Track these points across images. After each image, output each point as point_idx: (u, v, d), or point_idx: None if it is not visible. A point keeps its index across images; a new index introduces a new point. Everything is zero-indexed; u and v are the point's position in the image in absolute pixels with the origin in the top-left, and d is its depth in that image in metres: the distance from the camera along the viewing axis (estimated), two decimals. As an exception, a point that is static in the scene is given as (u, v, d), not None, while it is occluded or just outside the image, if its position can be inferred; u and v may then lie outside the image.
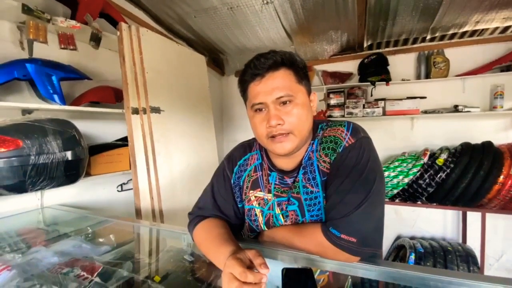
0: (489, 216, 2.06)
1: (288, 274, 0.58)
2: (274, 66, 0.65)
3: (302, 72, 0.69)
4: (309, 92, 0.72)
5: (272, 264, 0.72)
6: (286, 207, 0.74)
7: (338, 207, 0.64)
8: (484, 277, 0.61)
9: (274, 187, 0.77)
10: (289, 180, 0.75)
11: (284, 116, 0.65)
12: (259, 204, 0.79)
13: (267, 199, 0.78)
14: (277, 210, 0.76)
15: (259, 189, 0.79)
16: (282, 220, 0.76)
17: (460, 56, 2.26)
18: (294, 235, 0.72)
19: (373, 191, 0.63)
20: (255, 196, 0.80)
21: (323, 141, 0.71)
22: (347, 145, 0.67)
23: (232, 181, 0.82)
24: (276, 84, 0.64)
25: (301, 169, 0.72)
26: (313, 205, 0.71)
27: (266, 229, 0.79)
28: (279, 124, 0.64)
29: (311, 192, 0.71)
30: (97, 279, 0.76)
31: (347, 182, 0.64)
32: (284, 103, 0.65)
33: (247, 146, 0.86)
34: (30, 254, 0.98)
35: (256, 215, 0.80)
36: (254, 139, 0.86)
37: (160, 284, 0.76)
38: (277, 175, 0.77)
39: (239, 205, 0.83)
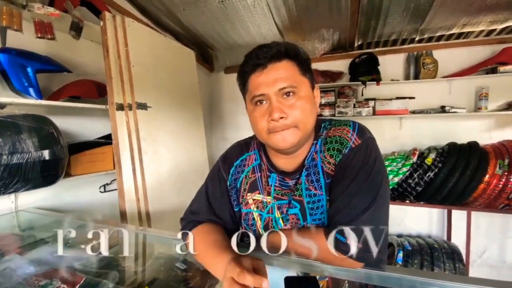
0: (473, 214, 2.12)
1: (290, 284, 0.55)
2: (277, 57, 0.61)
3: (306, 64, 0.65)
4: (313, 86, 0.68)
5: (271, 270, 0.67)
6: (287, 211, 0.70)
7: (343, 211, 0.61)
8: (476, 280, 0.59)
9: (274, 189, 0.72)
10: (290, 182, 0.70)
11: (287, 109, 0.60)
12: (257, 207, 0.74)
13: (266, 202, 0.73)
14: (277, 214, 0.72)
15: (257, 192, 0.74)
16: (282, 224, 0.72)
17: (447, 58, 2.31)
18: (296, 240, 0.68)
19: (380, 195, 0.60)
20: (253, 199, 0.75)
21: (328, 141, 0.67)
22: (353, 146, 0.63)
23: (228, 183, 0.77)
24: (279, 75, 0.60)
25: (304, 170, 0.68)
26: (315, 208, 0.68)
27: (264, 233, 0.74)
28: (281, 118, 0.60)
29: (314, 195, 0.67)
30: (79, 293, 0.69)
31: (353, 185, 0.61)
32: (288, 94, 0.61)
33: (244, 146, 0.81)
34: (3, 263, 0.89)
35: (254, 219, 0.75)
36: (251, 138, 0.81)
37: (150, 295, 0.70)
38: (277, 177, 0.72)
39: (236, 209, 0.78)
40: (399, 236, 2.43)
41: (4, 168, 0.96)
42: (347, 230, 0.59)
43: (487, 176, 1.82)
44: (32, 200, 1.36)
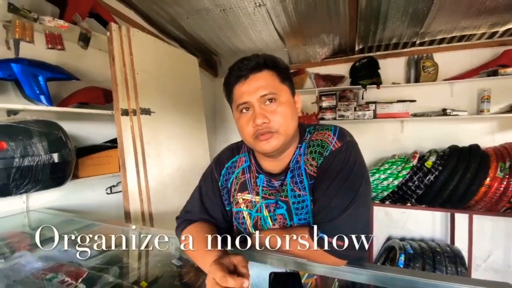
0: (477, 218, 2.11)
1: (275, 279, 0.58)
2: (257, 68, 0.66)
3: (284, 73, 0.70)
4: (293, 92, 0.73)
5: (260, 268, 0.71)
6: (274, 210, 0.74)
7: (325, 211, 0.65)
8: (468, 280, 0.62)
9: (262, 190, 0.77)
10: (276, 183, 0.75)
11: (269, 114, 0.65)
12: (247, 206, 0.79)
13: (255, 202, 0.77)
14: (265, 213, 0.76)
15: (247, 192, 0.79)
16: (270, 223, 0.76)
17: (449, 61, 2.31)
18: (282, 238, 0.72)
19: (359, 195, 0.63)
20: (243, 199, 0.79)
21: (311, 144, 0.71)
22: (333, 149, 0.67)
23: (220, 184, 0.82)
24: (259, 84, 0.66)
25: (289, 172, 0.73)
26: (301, 208, 0.71)
27: (254, 231, 0.78)
28: (264, 123, 0.65)
29: (299, 195, 0.71)
30: (81, 285, 0.75)
31: (333, 186, 0.64)
32: (270, 101, 0.66)
33: (235, 149, 0.86)
34: (13, 259, 0.96)
35: (244, 217, 0.80)
36: (242, 142, 0.86)
37: (146, 289, 0.74)
38: (265, 178, 0.77)
39: (227, 208, 0.83)
40: (402, 239, 2.42)
41: (16, 170, 1.03)
42: (329, 228, 0.62)
43: (488, 179, 1.81)
44: (42, 201, 1.44)
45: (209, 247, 0.66)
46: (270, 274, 0.59)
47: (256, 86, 0.65)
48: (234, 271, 0.54)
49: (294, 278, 0.59)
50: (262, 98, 0.65)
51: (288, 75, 0.71)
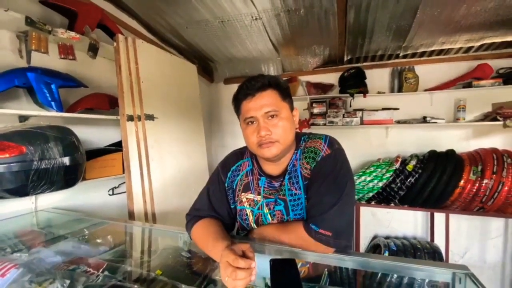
0: (454, 217, 2.30)
1: (275, 264, 0.69)
2: (262, 87, 0.79)
3: (285, 92, 0.83)
4: (292, 108, 0.86)
5: (261, 258, 0.83)
6: (274, 207, 0.87)
7: (316, 206, 0.78)
8: (431, 263, 0.76)
9: (263, 190, 0.89)
10: (276, 184, 0.88)
11: (272, 127, 0.78)
12: (249, 205, 0.91)
13: (257, 200, 0.90)
14: (266, 210, 0.88)
15: (250, 192, 0.91)
16: (270, 218, 0.88)
17: (429, 72, 2.51)
18: (280, 231, 0.84)
19: (345, 193, 0.77)
20: (246, 198, 0.92)
21: (305, 151, 0.85)
22: (324, 155, 0.81)
23: (225, 185, 0.94)
24: (264, 101, 0.78)
25: (286, 174, 0.86)
26: (296, 205, 0.84)
27: (256, 227, 0.91)
28: (267, 134, 0.78)
29: (295, 194, 0.84)
30: (105, 274, 0.84)
31: (324, 186, 0.78)
32: (272, 116, 0.79)
33: (240, 154, 0.98)
34: (32, 254, 1.03)
35: (247, 214, 0.92)
36: (245, 148, 0.98)
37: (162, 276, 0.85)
38: (266, 180, 0.89)
39: (232, 206, 0.95)
40: (387, 237, 2.59)
41: (34, 172, 1.12)
42: (320, 221, 0.76)
43: (462, 181, 2.00)
44: (50, 201, 1.52)
45: (219, 238, 0.78)
46: (270, 261, 0.70)
47: (261, 104, 0.78)
48: (243, 256, 0.66)
49: (291, 264, 0.70)
50: (266, 114, 0.78)
51: (289, 94, 0.85)
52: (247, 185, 0.92)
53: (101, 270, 0.88)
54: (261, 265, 0.82)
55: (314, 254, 0.81)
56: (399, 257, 0.94)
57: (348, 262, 0.80)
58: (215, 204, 0.93)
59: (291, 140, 0.83)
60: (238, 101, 0.84)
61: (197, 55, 2.77)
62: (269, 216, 0.88)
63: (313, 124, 2.72)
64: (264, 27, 2.12)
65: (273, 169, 0.88)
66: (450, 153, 2.16)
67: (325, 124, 2.66)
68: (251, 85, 0.79)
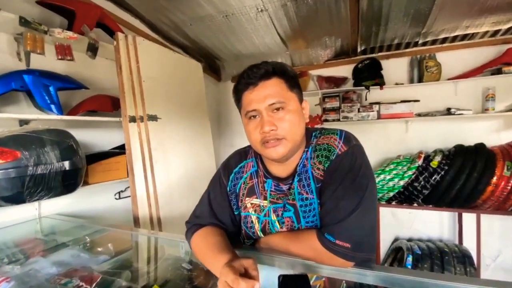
0: (485, 217, 2.09)
1: (284, 281, 0.59)
2: (266, 75, 0.68)
3: (293, 81, 0.71)
4: (300, 99, 0.74)
5: (269, 271, 0.73)
6: (282, 214, 0.76)
7: (332, 213, 0.66)
8: (477, 280, 0.62)
9: (270, 194, 0.78)
10: (284, 187, 0.76)
11: (277, 122, 0.67)
12: (255, 211, 0.80)
13: (263, 206, 0.79)
14: (273, 217, 0.77)
15: (255, 196, 0.80)
16: (278, 226, 0.77)
17: (452, 60, 2.31)
18: (290, 241, 0.73)
19: (366, 197, 0.65)
20: (251, 203, 0.81)
21: (317, 148, 0.73)
22: (340, 152, 0.69)
23: (228, 189, 0.84)
24: (268, 92, 0.67)
25: (296, 176, 0.74)
26: (308, 211, 0.73)
27: (262, 235, 0.80)
28: (272, 130, 0.66)
29: (306, 199, 0.73)
30: (97, 289, 0.77)
31: (340, 189, 0.66)
32: (277, 109, 0.67)
33: (243, 154, 0.87)
34: (28, 265, 0.98)
35: (252, 222, 0.81)
36: (249, 147, 0.87)
37: (158, 292, 0.76)
38: (273, 182, 0.78)
39: (236, 212, 0.84)
40: (409, 240, 2.41)
41: (29, 178, 1.07)
42: (336, 230, 0.64)
43: (494, 178, 1.80)
44: (54, 207, 1.48)
45: (220, 251, 0.68)
46: (279, 277, 0.60)
47: (265, 94, 0.66)
48: (244, 274, 0.56)
49: (303, 280, 0.60)
50: (270, 107, 0.66)
51: (297, 83, 0.72)
52: (252, 189, 0.81)
53: (94, 285, 0.81)
54: (269, 279, 0.72)
55: (330, 268, 0.69)
56: (434, 272, 0.79)
57: (370, 278, 0.68)
58: (217, 210, 0.83)
59: (301, 137, 0.71)
60: (238, 92, 0.72)
61: (203, 53, 2.69)
62: (277, 223, 0.77)
63: (325, 120, 2.58)
64: (271, 19, 2.00)
65: (280, 170, 0.77)
66: (480, 147, 1.96)
67: (339, 120, 2.51)
68: (252, 73, 0.68)
